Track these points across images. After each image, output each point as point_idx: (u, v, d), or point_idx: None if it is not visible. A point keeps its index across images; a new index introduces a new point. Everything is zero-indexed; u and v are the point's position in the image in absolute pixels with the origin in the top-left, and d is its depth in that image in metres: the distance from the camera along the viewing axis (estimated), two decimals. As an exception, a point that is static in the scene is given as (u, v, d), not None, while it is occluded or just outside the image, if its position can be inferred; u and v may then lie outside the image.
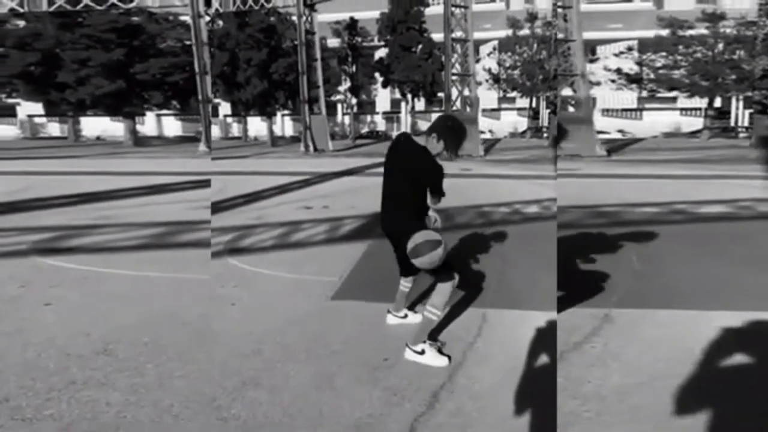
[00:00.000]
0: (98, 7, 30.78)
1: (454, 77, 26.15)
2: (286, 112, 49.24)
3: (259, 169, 18.22)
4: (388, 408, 2.90)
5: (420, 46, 42.16)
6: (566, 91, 25.21)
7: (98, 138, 53.43)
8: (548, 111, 44.01)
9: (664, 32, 38.07)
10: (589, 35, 49.19)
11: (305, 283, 5.15)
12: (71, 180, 14.66)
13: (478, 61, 45.21)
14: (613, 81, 41.81)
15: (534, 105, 48.14)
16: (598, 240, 6.91)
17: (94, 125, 55.14)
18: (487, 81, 44.24)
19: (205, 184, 12.77)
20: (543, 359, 3.47)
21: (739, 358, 3.45)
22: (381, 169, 3.62)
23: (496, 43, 48.04)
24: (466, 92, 26.02)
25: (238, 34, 36.91)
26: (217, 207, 9.40)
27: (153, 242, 6.85)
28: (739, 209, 9.13)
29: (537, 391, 3.07)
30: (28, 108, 55.28)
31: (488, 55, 47.12)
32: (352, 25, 43.95)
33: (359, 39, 44.18)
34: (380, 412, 2.86)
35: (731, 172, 15.67)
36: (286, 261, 5.98)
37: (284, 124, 58.27)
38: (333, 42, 44.26)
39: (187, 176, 14.70)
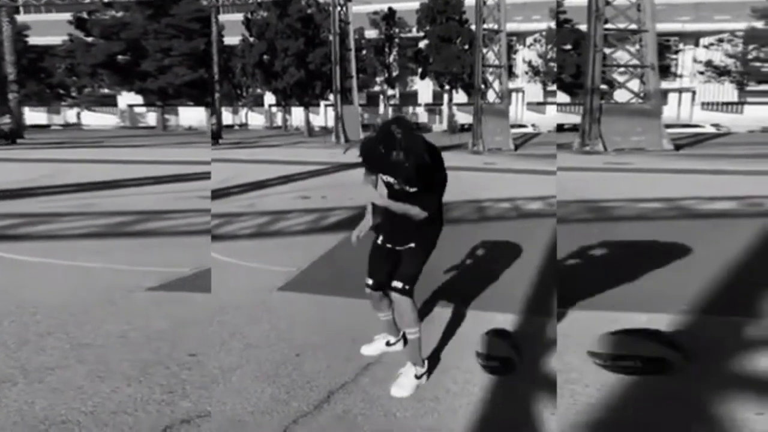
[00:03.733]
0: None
1: (489, 69, 25.63)
2: (329, 102, 49.56)
3: (279, 158, 18.35)
4: (272, 406, 2.79)
5: (459, 38, 41.54)
6: (634, 83, 24.18)
7: (189, 128, 54.69)
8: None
9: (760, 23, 36.01)
10: (695, 27, 47.66)
11: (262, 272, 5.09)
12: (103, 168, 15.05)
13: (515, 52, 44.33)
14: (701, 73, 39.96)
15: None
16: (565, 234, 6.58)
17: (190, 115, 56.39)
18: (527, 73, 43.24)
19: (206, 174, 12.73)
20: (464, 364, 3.28)
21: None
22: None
23: (539, 35, 46.84)
24: (497, 84, 25.43)
25: (277, 24, 37.27)
26: (216, 195, 9.47)
27: (116, 231, 6.89)
28: (748, 206, 8.56)
29: (440, 398, 2.91)
30: (129, 98, 56.65)
31: (529, 47, 45.99)
32: (389, 16, 43.66)
33: (397, 30, 43.88)
34: (262, 411, 2.75)
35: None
36: (255, 249, 5.95)
37: (327, 115, 58.64)
38: (371, 33, 44.14)
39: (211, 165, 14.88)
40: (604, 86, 24.25)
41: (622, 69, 24.13)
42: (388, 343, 3.39)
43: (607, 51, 23.26)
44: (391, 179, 2.88)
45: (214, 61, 36.89)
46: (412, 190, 2.83)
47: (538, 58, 44.29)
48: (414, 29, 44.53)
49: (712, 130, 39.98)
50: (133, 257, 5.59)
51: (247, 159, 18.18)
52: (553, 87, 44.52)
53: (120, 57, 38.93)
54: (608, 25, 22.96)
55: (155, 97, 41.36)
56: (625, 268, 5.09)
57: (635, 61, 23.62)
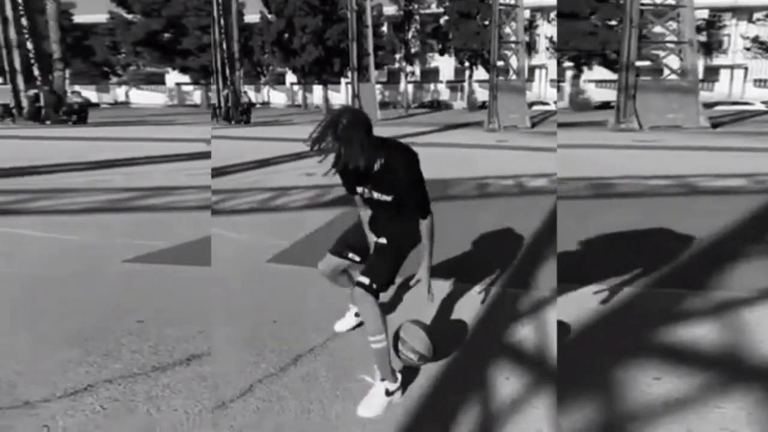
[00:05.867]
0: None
1: (508, 45, 25.31)
2: (349, 80, 49.35)
3: (290, 136, 18.46)
4: (242, 367, 2.97)
5: (479, 13, 40.87)
6: (672, 60, 23.81)
7: (317, 107, 54.73)
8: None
9: None
10: (748, 1, 45.73)
11: (254, 245, 5.26)
12: (134, 145, 15.22)
13: (536, 27, 43.56)
14: (747, 49, 38.94)
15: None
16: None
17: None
18: (548, 49, 42.43)
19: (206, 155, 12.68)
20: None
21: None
22: (410, 139, 3.18)
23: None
24: (514, 61, 25.10)
25: (296, 0, 37.15)
26: (221, 172, 9.67)
27: (118, 206, 7.09)
28: (755, 183, 8.50)
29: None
30: (177, 76, 56.23)
31: (549, 22, 45.04)
32: (408, -9, 43.20)
33: (416, 5, 43.34)
34: (231, 371, 2.93)
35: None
36: (252, 224, 6.12)
37: (348, 92, 58.41)
38: (389, 9, 43.71)
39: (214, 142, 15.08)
40: (645, 62, 23.89)
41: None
42: (357, 315, 3.33)
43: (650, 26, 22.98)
44: (359, 188, 2.65)
45: (234, 39, 37.02)
46: (386, 198, 2.59)
47: (560, 33, 43.37)
48: (433, 5, 43.98)
49: (762, 107, 38.79)
50: (125, 231, 5.76)
51: (262, 137, 18.41)
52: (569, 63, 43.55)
53: (165, 34, 38.98)
54: (645, 0, 22.56)
55: (199, 75, 41.49)
56: (611, 245, 5.18)
57: (673, 37, 23.22)
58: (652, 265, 4.48)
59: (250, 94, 53.82)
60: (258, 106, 58.01)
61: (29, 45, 27.70)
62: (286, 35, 38.92)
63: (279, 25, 37.87)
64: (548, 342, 3.23)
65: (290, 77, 56.34)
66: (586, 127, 23.46)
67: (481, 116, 28.73)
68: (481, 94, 47.17)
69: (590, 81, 47.18)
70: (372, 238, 2.81)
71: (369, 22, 31.13)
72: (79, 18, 47.98)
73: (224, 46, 29.74)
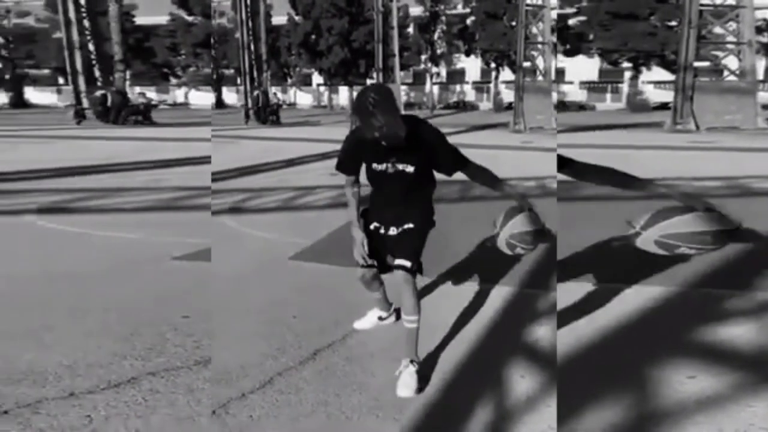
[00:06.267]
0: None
1: (535, 45, 25.11)
2: (374, 81, 49.48)
3: (318, 137, 18.68)
4: (262, 360, 3.04)
5: (506, 14, 40.62)
6: (731, 61, 23.53)
7: (342, 108, 55.45)
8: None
9: None
10: None
11: (278, 243, 5.37)
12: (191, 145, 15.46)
13: (567, 28, 43.02)
14: None
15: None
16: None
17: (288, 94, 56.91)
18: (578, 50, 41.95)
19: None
20: (443, 331, 3.46)
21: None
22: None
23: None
24: (540, 61, 24.88)
25: (323, 2, 37.45)
26: (246, 171, 9.84)
27: (171, 205, 7.26)
28: None
29: (419, 355, 3.09)
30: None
31: (579, 22, 44.52)
32: (435, -8, 43.19)
33: (442, 6, 43.28)
34: (253, 364, 3.01)
35: None
36: (276, 222, 6.24)
37: (375, 94, 58.17)
38: (415, 10, 43.77)
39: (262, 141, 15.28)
40: (704, 63, 23.62)
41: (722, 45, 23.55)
42: (380, 318, 3.48)
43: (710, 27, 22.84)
44: (380, 166, 2.75)
45: (262, 40, 37.54)
46: (410, 169, 2.72)
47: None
48: (460, 5, 43.87)
49: None
50: (178, 229, 5.89)
51: (294, 137, 18.64)
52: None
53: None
54: (705, 0, 22.27)
55: None
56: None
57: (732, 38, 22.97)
58: (696, 264, 4.44)
59: (279, 95, 54.42)
60: (285, 107, 58.62)
61: (91, 46, 28.05)
62: (313, 37, 39.30)
63: (306, 26, 38.26)
64: (564, 342, 3.24)
65: (316, 78, 56.78)
66: (643, 128, 23.24)
67: (507, 117, 28.55)
68: (508, 95, 46.84)
69: (649, 82, 46.54)
70: (354, 216, 2.96)
71: (395, 23, 31.20)
72: (140, 19, 48.88)
73: (252, 47, 30.12)
